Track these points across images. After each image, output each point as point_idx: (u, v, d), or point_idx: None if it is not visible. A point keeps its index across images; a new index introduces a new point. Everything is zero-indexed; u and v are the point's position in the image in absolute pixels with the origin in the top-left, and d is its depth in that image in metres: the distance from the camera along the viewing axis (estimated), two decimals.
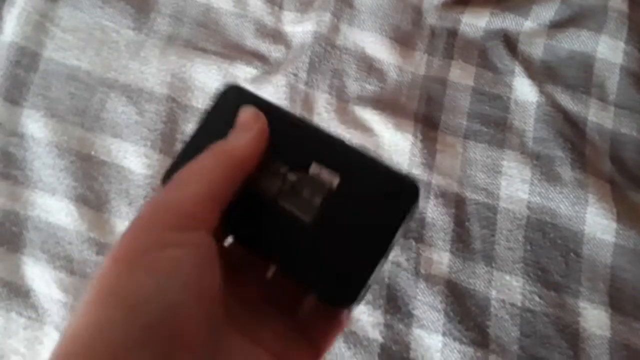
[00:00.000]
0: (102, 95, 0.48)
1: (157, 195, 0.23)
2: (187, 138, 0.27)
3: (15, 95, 0.47)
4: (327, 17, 0.50)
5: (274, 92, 0.47)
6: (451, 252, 0.43)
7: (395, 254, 0.43)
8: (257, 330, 0.23)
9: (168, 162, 0.46)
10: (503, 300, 0.41)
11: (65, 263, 0.43)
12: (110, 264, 0.20)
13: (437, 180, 0.45)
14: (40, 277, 0.42)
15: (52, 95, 0.48)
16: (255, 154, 0.24)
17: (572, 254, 0.43)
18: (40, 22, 0.50)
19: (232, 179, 0.23)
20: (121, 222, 0.44)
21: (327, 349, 0.25)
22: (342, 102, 0.48)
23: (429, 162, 0.46)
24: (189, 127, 0.47)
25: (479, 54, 0.50)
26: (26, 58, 0.48)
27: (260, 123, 0.25)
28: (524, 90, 0.48)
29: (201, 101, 0.48)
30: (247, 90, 0.28)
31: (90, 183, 0.45)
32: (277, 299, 0.25)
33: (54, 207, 0.44)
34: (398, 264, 0.43)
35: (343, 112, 0.48)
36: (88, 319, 0.18)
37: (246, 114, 0.25)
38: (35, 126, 0.46)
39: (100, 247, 0.43)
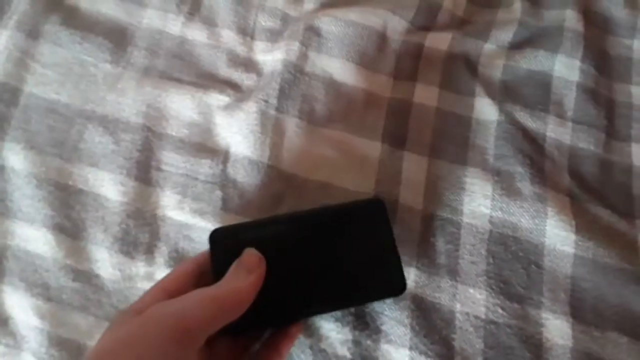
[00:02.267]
0: (80, 126, 0.50)
1: (161, 306, 0.28)
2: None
3: None
4: (296, 45, 0.52)
5: (245, 118, 0.49)
6: (417, 267, 0.44)
7: None
8: None
9: (143, 189, 0.48)
10: (467, 313, 0.43)
11: (42, 290, 0.44)
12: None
13: (403, 198, 0.46)
14: (18, 304, 0.44)
15: (31, 129, 0.49)
16: (252, 295, 0.30)
17: (533, 265, 0.44)
18: (22, 59, 0.52)
19: (228, 314, 0.29)
20: (97, 248, 0.45)
21: None
22: (312, 126, 0.50)
23: (396, 180, 0.47)
24: (164, 154, 0.49)
25: (441, 76, 0.52)
26: (7, 94, 0.50)
27: (261, 268, 0.32)
28: (485, 110, 0.50)
29: (176, 129, 0.50)
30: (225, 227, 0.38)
31: (68, 212, 0.46)
32: None
33: (32, 236, 0.46)
34: None
35: (313, 135, 0.49)
36: None
37: (250, 256, 0.32)
38: (16, 158, 0.48)
39: (76, 274, 0.45)
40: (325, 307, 0.36)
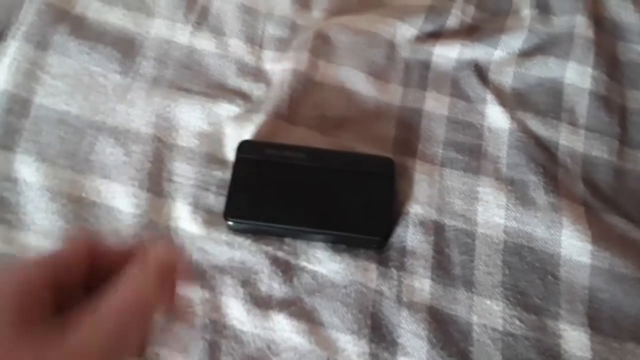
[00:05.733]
0: (91, 138, 0.49)
1: None
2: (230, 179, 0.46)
3: (8, 142, 0.49)
4: (305, 55, 0.52)
5: (255, 129, 0.49)
6: (432, 279, 0.44)
7: (378, 283, 0.44)
8: None
9: (155, 200, 0.47)
10: (484, 325, 0.42)
11: None
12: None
13: (415, 209, 0.46)
14: None
15: (43, 140, 0.49)
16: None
17: (549, 276, 0.44)
18: (31, 70, 0.52)
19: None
20: None
21: None
22: (323, 136, 0.50)
23: (407, 190, 0.47)
24: (175, 165, 0.49)
25: (451, 84, 0.52)
26: (18, 105, 0.50)
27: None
28: (496, 118, 0.50)
29: (186, 139, 0.50)
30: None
31: (81, 224, 0.46)
32: None
33: (46, 250, 0.45)
34: (381, 293, 0.44)
35: (324, 145, 0.49)
36: None
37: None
38: (28, 171, 0.48)
39: None
40: (314, 224, 0.44)
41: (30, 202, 0.47)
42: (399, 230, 0.46)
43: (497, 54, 0.53)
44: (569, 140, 0.49)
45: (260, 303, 0.43)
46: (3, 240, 0.46)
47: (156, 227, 0.47)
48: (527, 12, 0.55)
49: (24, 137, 0.49)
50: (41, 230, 0.46)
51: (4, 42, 0.53)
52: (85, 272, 0.26)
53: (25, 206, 0.47)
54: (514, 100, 0.51)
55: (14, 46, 0.52)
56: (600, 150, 0.48)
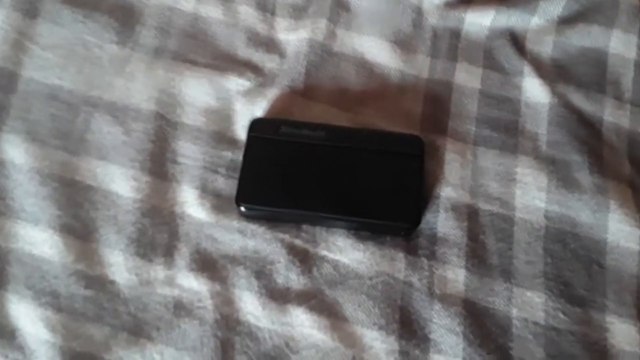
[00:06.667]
0: (85, 115, 0.46)
1: None
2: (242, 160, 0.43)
3: None
4: (322, 23, 0.49)
5: (267, 105, 0.45)
6: (466, 268, 0.41)
7: (406, 274, 0.41)
8: None
9: (158, 184, 0.44)
10: (525, 319, 0.39)
11: (51, 299, 0.40)
12: None
13: (446, 192, 0.43)
14: (25, 315, 0.40)
15: (32, 118, 0.45)
16: None
17: (595, 265, 0.41)
18: (19, 40, 0.48)
19: None
20: (110, 251, 0.41)
21: None
22: (343, 112, 0.47)
23: (437, 172, 0.44)
24: (180, 145, 0.45)
25: (484, 54, 0.49)
26: (4, 79, 0.46)
27: None
28: (535, 91, 0.47)
29: (192, 117, 0.46)
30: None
31: (76, 211, 0.42)
32: None
33: (37, 239, 0.42)
34: (410, 284, 0.40)
35: (344, 120, 0.46)
36: None
37: None
38: (16, 152, 0.44)
39: (88, 280, 0.41)
40: (335, 209, 0.40)
41: (18, 186, 0.43)
42: (428, 216, 0.42)
43: (535, 21, 0.50)
44: (614, 116, 0.46)
45: (277, 296, 0.40)
46: None
47: (159, 213, 0.43)
48: None
49: (11, 115, 0.46)
50: (31, 217, 0.43)
51: None
52: None
53: (13, 191, 0.43)
54: (554, 72, 0.47)
55: (1, 14, 0.48)
56: None
